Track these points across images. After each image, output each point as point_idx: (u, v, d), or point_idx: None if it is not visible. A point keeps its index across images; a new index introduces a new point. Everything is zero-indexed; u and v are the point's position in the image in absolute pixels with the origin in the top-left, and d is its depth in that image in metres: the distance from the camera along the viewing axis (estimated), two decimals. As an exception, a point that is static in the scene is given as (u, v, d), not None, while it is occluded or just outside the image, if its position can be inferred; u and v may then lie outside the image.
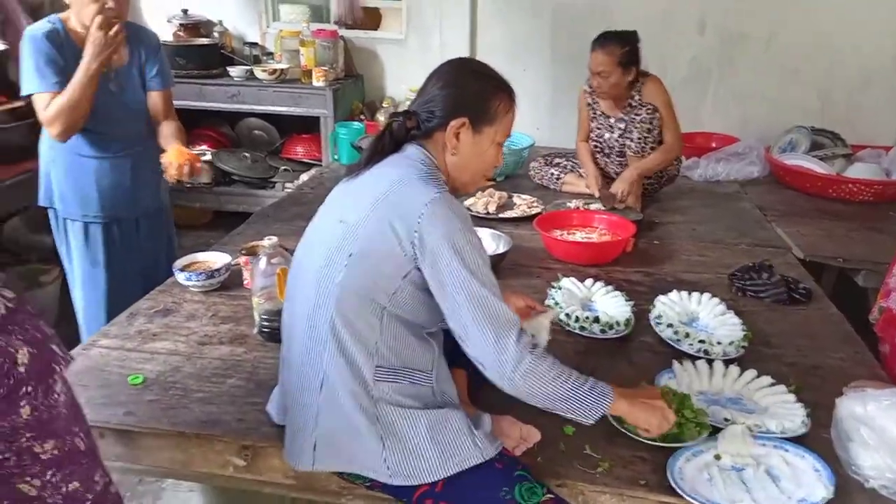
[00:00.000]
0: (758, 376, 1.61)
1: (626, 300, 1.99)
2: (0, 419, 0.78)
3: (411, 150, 1.36)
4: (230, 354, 1.77)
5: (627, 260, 2.40)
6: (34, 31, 2.10)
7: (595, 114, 3.04)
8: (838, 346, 1.87)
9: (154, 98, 2.33)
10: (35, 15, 3.03)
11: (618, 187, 2.81)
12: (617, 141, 2.98)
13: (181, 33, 4.19)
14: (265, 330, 1.83)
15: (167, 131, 2.31)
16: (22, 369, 0.80)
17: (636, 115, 2.87)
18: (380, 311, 1.26)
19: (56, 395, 0.85)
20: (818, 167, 3.25)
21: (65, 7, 2.14)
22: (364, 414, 1.24)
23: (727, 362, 1.68)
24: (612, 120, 2.99)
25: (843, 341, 1.90)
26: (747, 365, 1.67)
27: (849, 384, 1.49)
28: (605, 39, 2.79)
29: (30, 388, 0.81)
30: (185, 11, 4.21)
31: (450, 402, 1.33)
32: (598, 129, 3.04)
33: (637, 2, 3.86)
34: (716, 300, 1.97)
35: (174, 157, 2.18)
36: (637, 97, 2.89)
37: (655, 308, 1.94)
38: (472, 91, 1.36)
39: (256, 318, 1.85)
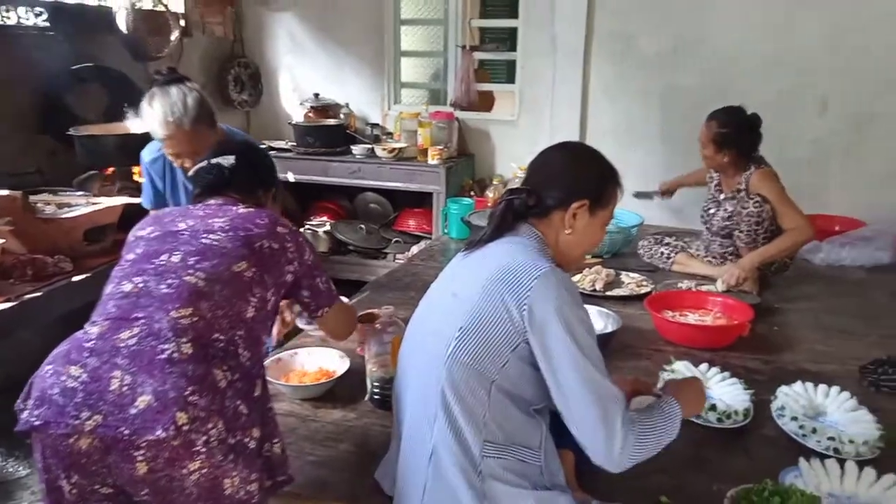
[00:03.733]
0: (897, 482, 1.48)
1: (745, 388, 1.90)
2: None
3: (523, 229, 1.41)
4: (342, 419, 1.84)
5: (744, 346, 2.29)
6: (144, 154, 2.46)
7: (713, 183, 3.01)
8: None
9: None
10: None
11: (734, 272, 2.69)
12: (719, 221, 2.90)
13: (311, 115, 4.57)
14: (376, 397, 1.88)
15: None
16: None
17: (743, 207, 2.78)
18: (488, 384, 1.28)
19: None
20: (960, 255, 3.00)
21: None
22: (472, 489, 1.25)
23: (861, 464, 1.55)
24: (722, 196, 2.93)
25: None
26: (885, 468, 1.53)
27: None
28: (715, 112, 2.83)
29: None
30: (316, 95, 4.60)
31: (558, 484, 1.32)
32: (710, 199, 3.00)
33: (754, 81, 3.81)
34: (846, 394, 1.84)
35: None
36: (744, 184, 2.81)
37: (778, 399, 1.84)
38: (593, 175, 1.43)
39: (368, 384, 1.92)
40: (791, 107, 3.83)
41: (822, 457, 1.59)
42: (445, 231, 3.85)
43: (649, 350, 2.28)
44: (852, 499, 1.46)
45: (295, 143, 4.37)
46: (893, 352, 2.14)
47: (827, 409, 1.81)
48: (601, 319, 2.36)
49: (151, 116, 2.09)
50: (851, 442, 1.61)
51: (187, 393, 1.13)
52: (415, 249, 3.89)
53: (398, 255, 4.08)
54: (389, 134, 4.51)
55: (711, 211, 2.97)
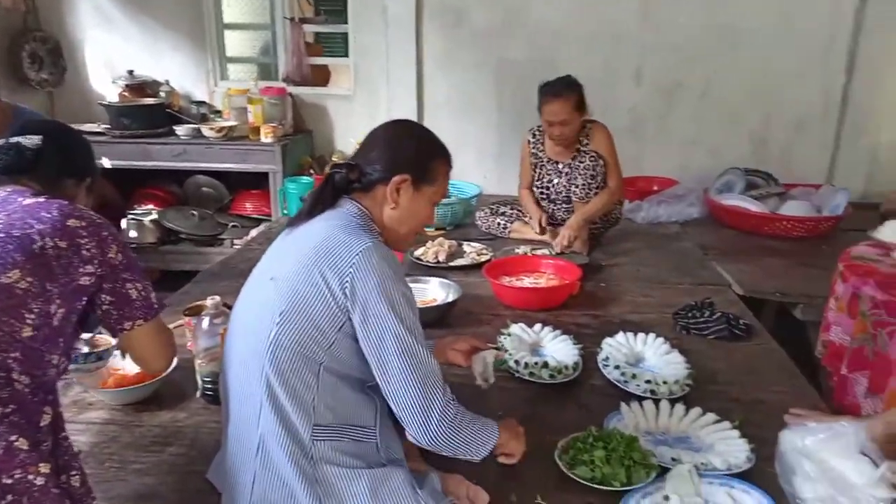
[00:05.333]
0: (703, 414, 1.64)
1: (575, 344, 2.01)
2: None
3: (346, 205, 1.37)
4: (171, 421, 1.71)
5: (575, 303, 2.43)
6: None
7: (541, 161, 3.12)
8: (780, 379, 1.91)
9: None
10: None
11: (564, 234, 2.86)
12: (564, 186, 3.06)
13: (126, 94, 4.17)
14: (208, 393, 1.78)
15: None
16: None
17: (580, 161, 2.96)
18: (316, 367, 1.24)
19: None
20: (753, 206, 3.39)
21: None
22: (302, 476, 1.20)
23: (673, 401, 1.70)
24: (560, 165, 3.07)
25: (784, 375, 1.95)
26: (693, 403, 1.69)
27: (788, 411, 1.53)
28: (559, 88, 2.86)
29: None
30: (130, 72, 4.20)
31: (394, 460, 1.31)
32: (547, 174, 3.12)
33: (578, 54, 4.01)
34: (661, 340, 2.00)
35: None
36: (585, 141, 2.98)
37: (603, 350, 1.96)
38: (416, 151, 1.41)
39: (199, 381, 1.80)
40: (611, 77, 4.09)
41: (641, 399, 1.72)
42: (285, 212, 3.71)
43: (489, 315, 2.35)
44: (665, 434, 1.59)
45: (109, 126, 3.97)
46: (701, 297, 2.36)
47: (645, 355, 1.97)
48: (442, 290, 2.40)
49: None
50: (665, 383, 1.76)
51: None
52: (254, 233, 3.70)
53: (236, 241, 3.86)
54: (218, 112, 4.23)
55: (554, 181, 3.09)
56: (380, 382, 1.25)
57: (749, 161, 3.95)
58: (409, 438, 1.27)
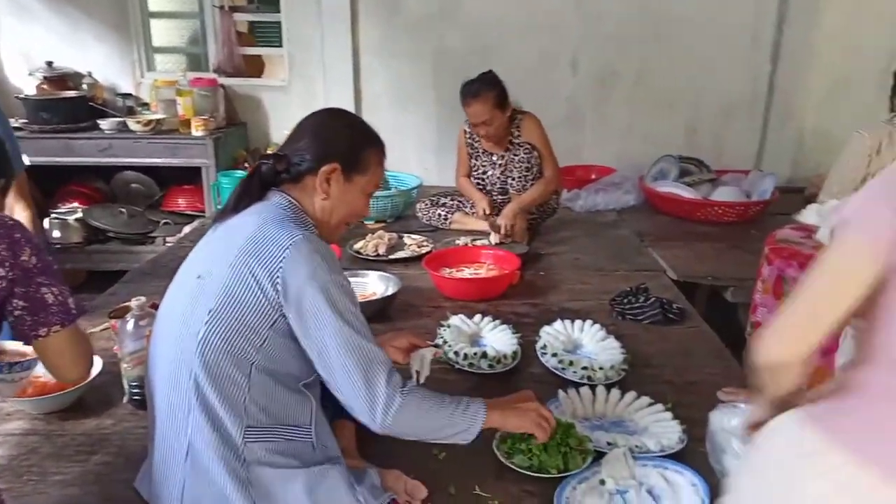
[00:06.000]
0: (637, 397, 1.67)
1: (514, 333, 2.02)
2: None
3: (275, 197, 1.33)
4: (96, 428, 1.63)
5: (515, 293, 2.44)
6: None
7: (477, 152, 3.12)
8: (711, 361, 1.97)
9: None
10: None
11: (501, 222, 2.87)
12: (499, 178, 3.07)
13: (45, 86, 3.95)
14: (136, 398, 1.71)
15: None
16: None
17: (515, 154, 2.97)
18: (248, 366, 1.20)
19: None
20: (686, 192, 3.47)
21: None
22: (235, 479, 1.17)
23: (609, 386, 1.73)
24: (494, 157, 3.07)
25: (715, 357, 2.00)
26: (628, 387, 1.73)
27: (721, 390, 1.57)
28: (476, 88, 2.84)
29: None
30: (49, 64, 3.99)
31: (331, 458, 1.28)
32: (483, 166, 3.12)
33: (514, 44, 4.03)
34: (597, 326, 2.03)
35: None
36: (517, 133, 2.99)
37: (541, 339, 1.97)
38: (345, 140, 1.38)
39: (125, 385, 1.73)
40: (548, 67, 4.12)
41: (578, 386, 1.74)
42: (219, 207, 3.58)
43: (430, 307, 2.33)
44: (602, 419, 1.62)
45: (27, 121, 3.76)
46: (637, 283, 2.41)
47: (582, 342, 1.99)
48: (382, 283, 2.37)
49: None
50: (601, 369, 1.78)
51: None
52: (186, 230, 3.58)
53: (168, 238, 3.73)
54: (145, 105, 4.06)
55: (489, 173, 3.10)
56: (323, 376, 1.22)
57: (682, 148, 4.05)
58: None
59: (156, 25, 4.31)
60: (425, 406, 1.23)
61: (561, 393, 1.68)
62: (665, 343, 2.07)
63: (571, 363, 1.82)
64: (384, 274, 2.43)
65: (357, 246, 2.87)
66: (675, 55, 4.09)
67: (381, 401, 1.18)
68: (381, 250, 2.84)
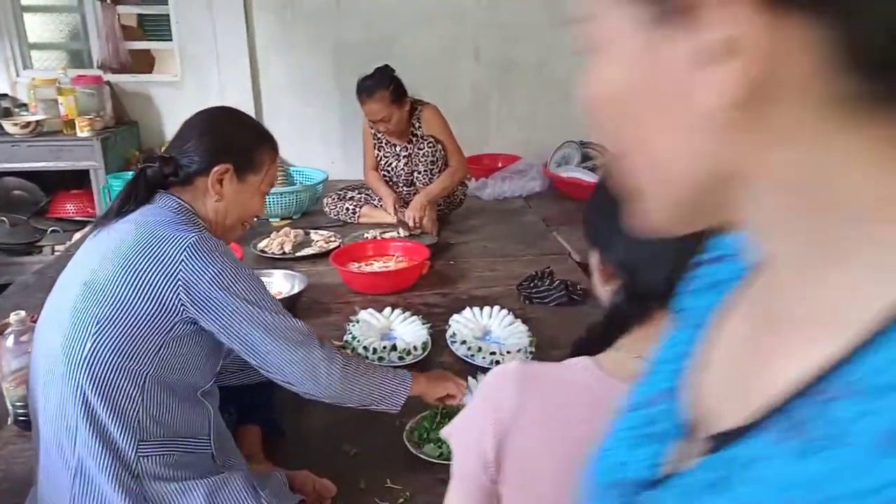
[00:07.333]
0: (545, 378, 1.70)
1: (424, 324, 2.02)
2: None
3: (163, 200, 1.27)
4: (-24, 455, 1.51)
5: (425, 283, 2.45)
6: None
7: (381, 143, 3.09)
8: (614, 338, 2.04)
9: None
10: None
11: (409, 214, 2.87)
12: (403, 169, 3.05)
13: None
14: (21, 419, 1.59)
15: None
16: None
17: (419, 148, 2.95)
18: (142, 378, 1.15)
19: None
20: (587, 177, 3.59)
21: None
22: (129, 497, 1.11)
23: (518, 370, 1.75)
24: (397, 148, 3.06)
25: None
26: (536, 369, 1.76)
27: None
28: (370, 86, 2.81)
29: None
30: None
31: (232, 465, 1.24)
32: (386, 157, 3.10)
33: (417, 34, 4.01)
34: (504, 311, 2.06)
35: None
36: (418, 125, 2.98)
37: (450, 327, 1.99)
38: (236, 139, 1.34)
39: (9, 406, 1.61)
40: (451, 56, 4.13)
41: (488, 371, 1.75)
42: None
43: (338, 304, 2.30)
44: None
45: None
46: (542, 267, 2.46)
47: (491, 328, 2.02)
48: (287, 282, 2.32)
49: None
50: (509, 353, 1.81)
51: None
52: (77, 237, 3.36)
53: (57, 247, 3.49)
54: (23, 105, 3.77)
55: (393, 164, 3.07)
56: (255, 363, 1.22)
57: (584, 134, 4.17)
58: (308, 397, 1.26)
59: (30, 20, 4.01)
60: (361, 367, 1.29)
61: (471, 379, 1.68)
62: (569, 323, 2.12)
63: (480, 349, 1.84)
64: (289, 272, 2.37)
65: (262, 245, 2.78)
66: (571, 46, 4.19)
67: (323, 364, 1.21)
68: (287, 248, 2.77)
